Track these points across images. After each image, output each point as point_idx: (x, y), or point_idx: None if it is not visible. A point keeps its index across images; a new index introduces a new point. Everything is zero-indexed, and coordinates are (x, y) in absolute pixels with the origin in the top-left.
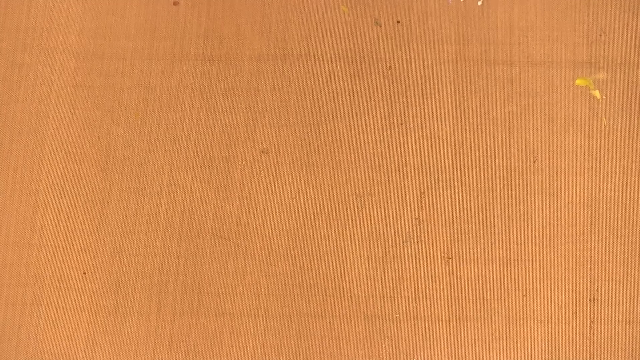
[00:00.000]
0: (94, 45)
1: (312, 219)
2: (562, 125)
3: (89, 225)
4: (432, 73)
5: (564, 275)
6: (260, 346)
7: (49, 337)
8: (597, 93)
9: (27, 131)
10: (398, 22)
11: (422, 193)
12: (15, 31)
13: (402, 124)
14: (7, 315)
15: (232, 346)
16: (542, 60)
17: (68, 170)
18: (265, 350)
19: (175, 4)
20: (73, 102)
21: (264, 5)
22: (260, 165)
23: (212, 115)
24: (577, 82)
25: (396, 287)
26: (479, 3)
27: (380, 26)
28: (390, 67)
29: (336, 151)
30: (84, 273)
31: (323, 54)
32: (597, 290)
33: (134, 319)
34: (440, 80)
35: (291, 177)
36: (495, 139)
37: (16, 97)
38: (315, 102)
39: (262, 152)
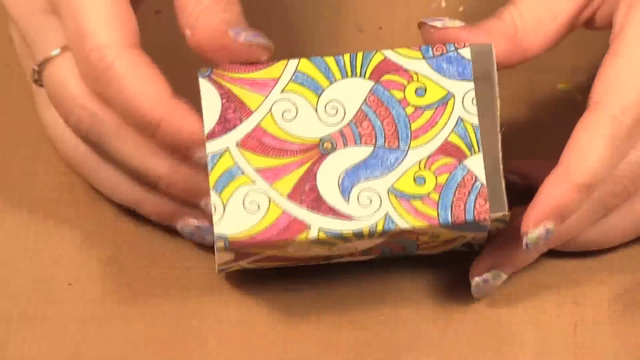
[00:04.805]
0: None
1: None
2: (546, 130)
3: (74, 235)
4: None
5: (547, 278)
6: (247, 349)
7: (35, 353)
8: (579, 97)
9: (18, 146)
10: (380, 28)
11: None
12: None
13: None
14: None
15: (216, 350)
16: (525, 65)
17: (52, 185)
18: (252, 354)
19: (157, 12)
20: None
21: (246, 10)
22: None
23: None
24: (560, 86)
25: (383, 289)
26: (461, 9)
27: (363, 32)
28: None
29: None
30: (69, 284)
31: None
32: (580, 292)
33: (121, 326)
34: None
35: None
36: None
37: (11, 110)
38: None
39: None
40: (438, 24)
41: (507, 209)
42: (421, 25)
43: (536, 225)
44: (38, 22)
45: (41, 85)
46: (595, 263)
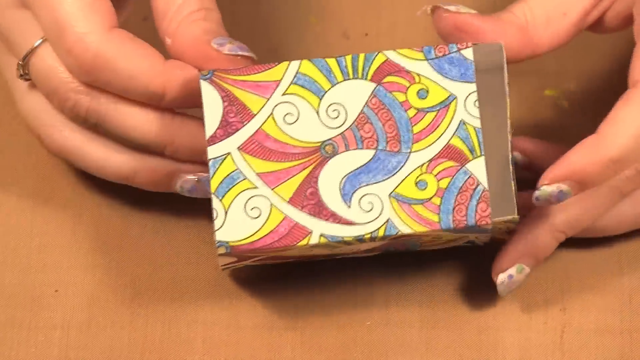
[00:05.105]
0: None
1: None
2: (532, 135)
3: (60, 241)
4: None
5: (535, 284)
6: (234, 352)
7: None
8: (565, 103)
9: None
10: (366, 34)
11: None
12: None
13: None
14: None
15: (204, 354)
16: (511, 69)
17: (38, 191)
18: (239, 357)
19: (144, 19)
20: None
21: (232, 16)
22: None
23: None
24: (546, 92)
25: (367, 294)
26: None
27: (349, 38)
28: None
29: None
30: (56, 290)
31: None
32: (567, 299)
33: (107, 331)
34: None
35: None
36: None
37: None
38: None
39: None
40: (452, 7)
41: (516, 212)
42: (434, 9)
43: (552, 182)
44: (12, 17)
45: (27, 80)
46: (583, 270)
